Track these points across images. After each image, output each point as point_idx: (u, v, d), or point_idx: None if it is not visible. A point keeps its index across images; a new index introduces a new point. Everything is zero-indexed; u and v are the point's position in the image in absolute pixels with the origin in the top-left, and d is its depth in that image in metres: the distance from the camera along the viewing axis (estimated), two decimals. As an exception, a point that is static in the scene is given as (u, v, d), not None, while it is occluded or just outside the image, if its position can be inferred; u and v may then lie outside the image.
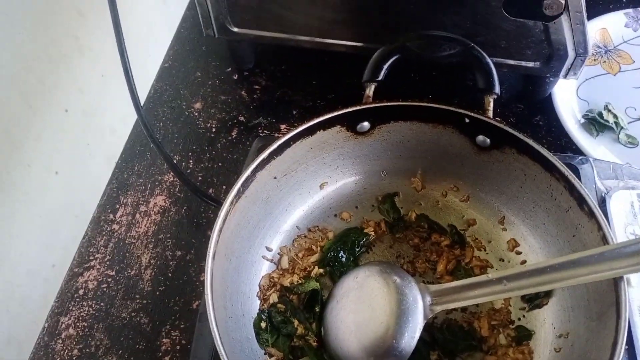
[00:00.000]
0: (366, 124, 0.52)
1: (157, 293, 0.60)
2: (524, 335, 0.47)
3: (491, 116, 0.49)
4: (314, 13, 0.69)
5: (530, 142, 0.47)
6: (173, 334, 0.58)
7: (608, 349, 0.38)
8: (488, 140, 0.50)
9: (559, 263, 0.40)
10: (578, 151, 0.67)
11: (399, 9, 0.65)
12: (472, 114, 0.49)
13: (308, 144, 0.51)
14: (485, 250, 0.52)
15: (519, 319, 0.48)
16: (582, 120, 0.71)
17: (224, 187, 0.69)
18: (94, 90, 0.76)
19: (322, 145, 0.52)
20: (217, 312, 0.40)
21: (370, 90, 0.51)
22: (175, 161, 0.71)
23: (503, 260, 0.51)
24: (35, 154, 0.67)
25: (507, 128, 0.48)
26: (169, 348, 0.57)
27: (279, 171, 0.50)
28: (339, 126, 0.51)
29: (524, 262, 0.51)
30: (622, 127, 0.70)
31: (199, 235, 0.65)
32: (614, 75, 0.77)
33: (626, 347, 0.49)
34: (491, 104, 0.50)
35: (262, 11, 0.70)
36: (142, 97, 0.80)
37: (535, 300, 0.48)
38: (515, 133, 0.47)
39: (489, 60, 0.51)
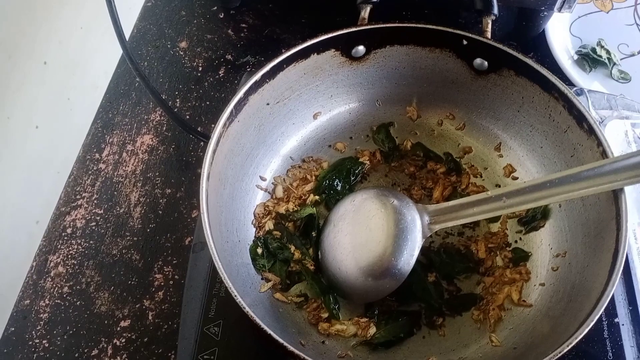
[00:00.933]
0: (361, 48, 0.50)
1: (148, 230, 0.59)
2: (520, 257, 0.47)
3: (489, 37, 0.48)
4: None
5: (530, 62, 0.46)
6: (165, 269, 0.57)
7: (608, 261, 0.38)
8: (486, 63, 0.49)
9: (559, 177, 0.40)
10: (571, 86, 0.66)
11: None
12: (470, 35, 0.48)
13: (302, 69, 0.49)
14: (481, 176, 0.52)
15: (516, 242, 0.49)
16: (575, 57, 0.70)
17: (212, 125, 0.67)
18: (74, 43, 0.73)
19: (316, 71, 0.50)
20: (214, 234, 0.39)
21: (365, 12, 0.50)
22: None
23: (499, 186, 0.51)
24: (15, 107, 0.64)
25: (506, 49, 0.47)
26: (162, 283, 0.56)
27: (271, 97, 0.49)
28: (333, 50, 0.49)
29: (520, 187, 0.50)
30: (614, 63, 0.69)
31: (188, 174, 0.63)
32: (607, 12, 0.76)
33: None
34: (489, 26, 0.49)
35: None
36: (126, 37, 0.77)
37: (531, 223, 0.48)
38: (515, 53, 0.46)
39: (487, -20, 0.50)
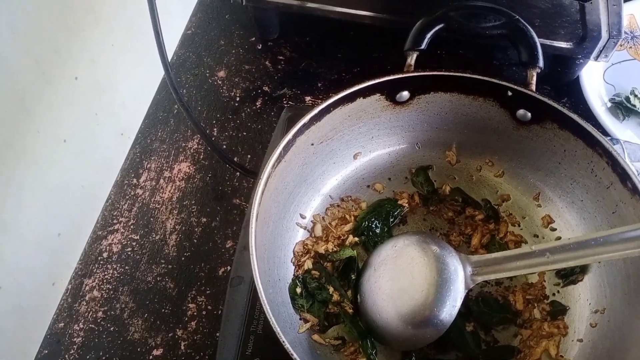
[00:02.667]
0: (406, 94, 0.51)
1: (183, 258, 0.60)
2: (558, 310, 0.47)
3: (534, 90, 0.49)
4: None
5: (575, 117, 0.46)
6: (199, 299, 0.57)
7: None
8: (529, 114, 0.49)
9: (604, 236, 0.40)
10: (605, 134, 0.67)
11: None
12: (515, 87, 0.48)
13: (347, 111, 0.50)
14: (519, 225, 0.52)
15: (554, 294, 0.49)
16: (609, 104, 0.70)
17: (249, 156, 0.68)
18: (105, 61, 0.75)
19: (359, 114, 0.51)
20: (260, 275, 0.39)
21: (412, 59, 0.51)
22: (199, 128, 0.70)
23: (537, 236, 0.51)
24: (46, 122, 0.65)
25: (551, 102, 0.47)
26: (195, 313, 0.57)
27: (316, 137, 0.50)
28: (378, 94, 0.50)
29: (558, 238, 0.50)
30: (648, 112, 0.70)
31: (224, 203, 0.64)
32: (640, 61, 0.77)
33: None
34: (534, 78, 0.50)
35: (292, -21, 0.69)
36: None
37: (570, 277, 0.48)
38: (560, 107, 0.47)
39: (533, 33, 0.51)
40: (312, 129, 0.48)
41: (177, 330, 0.56)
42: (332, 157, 0.53)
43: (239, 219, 0.63)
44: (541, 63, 0.50)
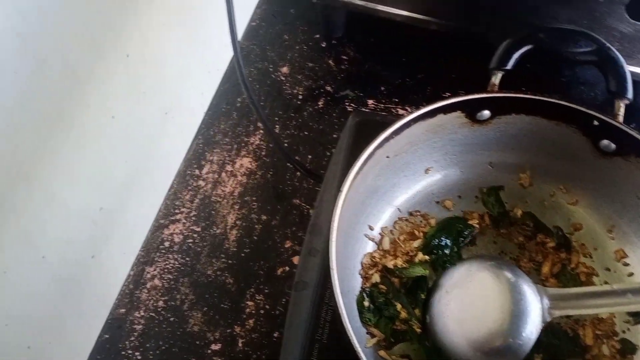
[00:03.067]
0: (487, 113, 0.50)
1: (242, 255, 0.61)
2: (628, 349, 0.47)
3: (622, 121, 0.48)
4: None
5: (664, 154, 0.45)
6: (257, 297, 0.58)
7: None
8: (613, 145, 0.48)
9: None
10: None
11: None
12: (602, 117, 0.47)
13: (425, 126, 0.50)
14: (591, 257, 0.51)
15: (624, 332, 0.48)
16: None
17: (309, 156, 0.68)
18: (155, 39, 0.75)
19: (437, 129, 0.51)
20: (340, 286, 0.40)
21: (496, 79, 0.50)
22: (261, 125, 0.70)
23: (609, 270, 0.51)
24: (96, 96, 0.66)
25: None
26: (253, 311, 0.57)
27: (392, 150, 0.50)
28: (459, 111, 0.50)
29: (631, 274, 0.50)
30: None
31: (284, 203, 0.65)
32: None
33: None
34: (622, 109, 0.49)
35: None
36: (228, 54, 0.79)
37: (640, 315, 0.48)
38: (649, 143, 0.46)
39: (624, 63, 0.49)
40: (391, 142, 0.48)
41: (235, 326, 0.56)
42: (404, 170, 0.53)
43: (299, 219, 0.63)
44: (630, 94, 0.49)
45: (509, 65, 0.50)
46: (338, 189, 0.56)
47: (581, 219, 0.53)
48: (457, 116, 0.51)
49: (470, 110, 0.50)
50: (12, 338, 0.50)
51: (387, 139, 0.47)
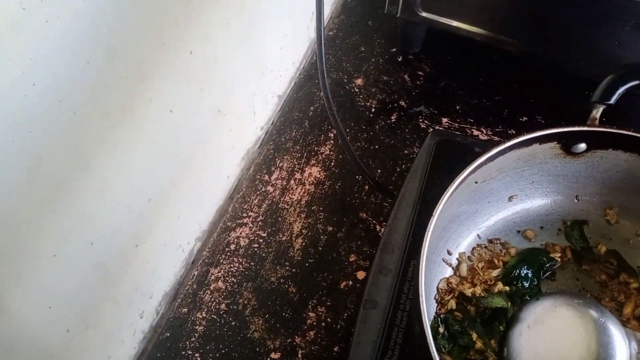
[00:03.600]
0: (583, 146, 0.48)
1: (307, 264, 0.60)
2: None
3: None
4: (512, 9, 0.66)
5: None
6: (319, 309, 0.57)
7: None
8: None
9: None
10: None
11: (597, 28, 0.61)
12: None
13: (518, 155, 0.48)
14: (678, 302, 0.49)
15: None
16: None
17: (379, 170, 0.67)
18: (217, 38, 0.75)
19: (529, 158, 0.49)
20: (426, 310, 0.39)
21: (597, 113, 0.48)
22: (332, 135, 0.70)
23: (697, 319, 0.48)
24: (158, 91, 0.66)
25: None
26: (314, 323, 0.56)
27: (481, 176, 0.48)
28: (555, 142, 0.48)
29: None
30: None
31: (350, 215, 0.64)
32: None
33: None
34: None
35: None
36: (305, 60, 0.79)
37: None
38: None
39: None
40: (483, 169, 0.47)
41: (296, 337, 0.56)
42: (489, 197, 0.51)
43: (364, 234, 0.62)
44: None
45: (612, 100, 0.48)
46: (413, 208, 0.55)
47: (670, 262, 0.50)
48: (552, 147, 0.49)
49: (567, 142, 0.48)
50: (53, 320, 0.51)
51: (480, 166, 0.46)
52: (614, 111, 0.49)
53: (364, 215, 0.64)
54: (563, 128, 0.47)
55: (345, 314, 0.57)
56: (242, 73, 0.77)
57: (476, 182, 0.48)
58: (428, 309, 0.46)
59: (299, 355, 0.55)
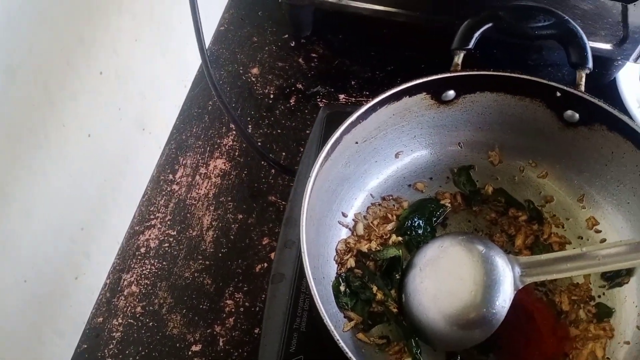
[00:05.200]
0: (451, 93, 0.51)
1: (220, 255, 0.60)
2: (604, 312, 0.47)
3: (584, 91, 0.48)
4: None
5: (626, 119, 0.46)
6: (236, 295, 0.57)
7: None
8: (577, 115, 0.49)
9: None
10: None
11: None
12: (564, 88, 0.48)
13: (392, 110, 0.50)
14: (563, 227, 0.52)
15: (599, 296, 0.48)
16: (646, 107, 0.70)
17: (283, 153, 0.68)
18: (127, 54, 0.75)
19: (404, 113, 0.51)
20: (312, 272, 0.39)
21: (459, 58, 0.50)
22: (233, 126, 0.70)
23: (582, 238, 0.51)
24: (71, 114, 0.65)
25: (602, 104, 0.47)
26: (233, 309, 0.57)
27: (360, 136, 0.50)
28: (424, 93, 0.50)
29: (603, 240, 0.50)
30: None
31: (259, 200, 0.64)
32: (677, 62, 0.76)
33: None
34: (583, 79, 0.49)
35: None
36: (198, 59, 0.79)
37: (615, 279, 0.48)
38: (610, 109, 0.46)
39: (583, 34, 0.50)
40: (358, 128, 0.48)
41: (216, 326, 0.56)
42: (375, 156, 0.53)
43: (275, 216, 0.63)
44: (590, 64, 0.50)
45: (471, 44, 0.51)
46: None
47: (552, 191, 0.53)
48: (423, 98, 0.51)
49: (435, 91, 0.51)
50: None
51: (353, 124, 0.47)
52: (475, 58, 0.52)
53: (273, 198, 0.64)
54: (427, 77, 0.49)
55: (263, 296, 0.57)
56: (161, 85, 0.76)
57: (357, 143, 0.50)
58: (328, 271, 0.48)
59: (221, 344, 0.55)
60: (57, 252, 0.61)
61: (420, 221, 0.51)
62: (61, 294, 0.61)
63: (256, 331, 0.55)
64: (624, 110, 0.68)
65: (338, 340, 0.37)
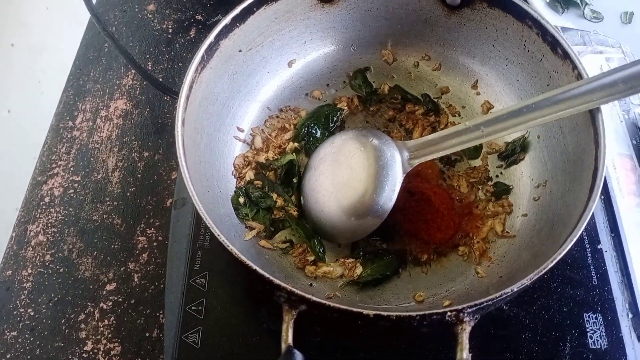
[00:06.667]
0: (331, -11, 0.49)
1: (128, 194, 0.58)
2: (502, 190, 0.48)
3: (461, -30, 0.47)
4: None
5: (502, -9, 0.45)
6: (148, 231, 0.56)
7: (588, 181, 0.38)
8: (458, -3, 0.48)
9: (535, 102, 0.40)
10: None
11: None
12: (441, -31, 0.47)
13: (272, 13, 0.48)
14: (459, 115, 0.52)
15: (497, 177, 0.49)
16: None
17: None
18: (39, 25, 0.71)
19: (287, 15, 0.49)
20: (194, 183, 0.38)
21: (333, -47, 0.49)
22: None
23: (478, 123, 0.51)
24: None
25: (477, -21, 0.46)
26: (146, 245, 0.55)
27: (243, 43, 0.48)
28: (304, -9, 0.48)
29: (498, 122, 0.50)
30: (586, 3, 0.69)
31: (165, 136, 0.62)
32: (578, -48, 0.76)
33: (602, 196, 0.50)
34: (459, -41, 0.48)
35: None
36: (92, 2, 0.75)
37: (511, 157, 0.48)
38: (486, -16, 0.46)
39: None
40: (237, 33, 0.46)
41: (129, 263, 0.54)
42: (265, 66, 0.51)
43: (183, 149, 0.61)
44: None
45: None
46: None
47: (447, 82, 0.53)
48: (303, -3, 0.49)
49: (313, -12, 0.49)
50: None
51: (229, 28, 0.46)
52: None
53: (180, 132, 0.62)
54: (302, -27, 0.47)
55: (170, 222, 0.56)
56: (58, 32, 0.72)
57: (240, 51, 0.48)
58: (226, 185, 0.46)
59: (135, 279, 0.54)
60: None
61: (317, 127, 0.50)
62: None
63: (170, 261, 0.54)
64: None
65: (228, 245, 0.36)
